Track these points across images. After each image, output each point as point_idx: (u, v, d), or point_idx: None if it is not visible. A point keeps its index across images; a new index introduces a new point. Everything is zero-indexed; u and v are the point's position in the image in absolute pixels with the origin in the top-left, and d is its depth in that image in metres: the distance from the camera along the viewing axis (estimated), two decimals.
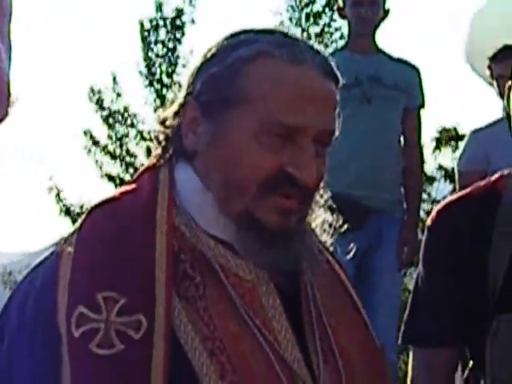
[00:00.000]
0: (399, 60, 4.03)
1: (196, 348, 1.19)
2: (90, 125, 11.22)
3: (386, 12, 3.99)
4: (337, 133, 1.33)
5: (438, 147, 9.15)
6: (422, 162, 4.18)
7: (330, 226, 1.39)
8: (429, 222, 1.76)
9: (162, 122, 1.34)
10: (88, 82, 11.39)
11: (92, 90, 11.23)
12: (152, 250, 1.22)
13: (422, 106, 4.01)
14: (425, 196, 9.23)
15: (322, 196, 1.35)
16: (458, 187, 3.78)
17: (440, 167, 9.16)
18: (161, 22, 11.34)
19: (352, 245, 3.71)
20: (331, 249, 1.45)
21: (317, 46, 1.33)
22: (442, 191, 8.96)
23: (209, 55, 1.32)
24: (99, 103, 11.20)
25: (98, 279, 1.20)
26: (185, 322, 1.20)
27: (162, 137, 1.35)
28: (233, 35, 1.32)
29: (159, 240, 1.23)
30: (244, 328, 1.23)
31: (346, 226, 3.78)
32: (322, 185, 1.33)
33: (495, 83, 3.75)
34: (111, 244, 1.22)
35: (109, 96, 11.25)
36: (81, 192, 11.44)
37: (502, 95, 3.47)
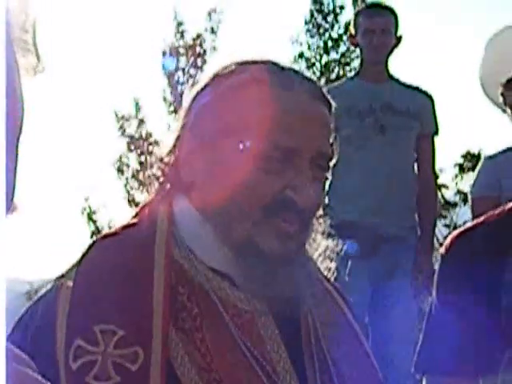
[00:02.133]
0: (411, 87, 4.03)
1: (192, 379, 1.20)
2: (120, 151, 11.32)
3: (399, 39, 3.99)
4: (334, 158, 1.34)
5: (460, 173, 9.11)
6: (436, 188, 4.17)
7: (333, 253, 1.39)
8: (443, 250, 1.76)
9: (161, 159, 1.36)
10: (113, 109, 11.42)
11: (116, 116, 11.31)
12: (150, 284, 1.23)
13: (436, 132, 4.01)
14: (446, 221, 9.18)
15: (321, 223, 1.36)
16: (471, 214, 3.75)
17: (459, 192, 9.12)
18: (181, 50, 11.40)
19: (367, 272, 3.71)
20: (334, 274, 1.45)
21: (306, 73, 1.36)
22: (462, 216, 8.91)
23: (201, 87, 1.33)
24: (122, 129, 11.27)
25: (95, 312, 1.21)
26: (181, 353, 1.21)
27: (160, 172, 1.37)
28: (223, 67, 1.34)
29: (157, 274, 1.24)
30: (241, 359, 1.23)
31: (360, 253, 3.78)
32: (320, 210, 1.33)
33: (509, 110, 3.73)
34: (109, 278, 1.24)
35: (132, 123, 11.33)
36: (111, 216, 11.47)
37: None
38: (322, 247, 1.38)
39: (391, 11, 3.97)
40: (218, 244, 1.28)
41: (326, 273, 1.44)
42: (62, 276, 1.28)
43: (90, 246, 1.30)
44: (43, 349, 1.20)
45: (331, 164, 1.33)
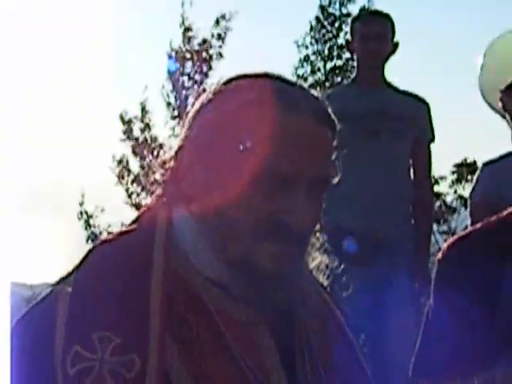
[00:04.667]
0: (407, 93, 4.03)
1: None
2: (122, 153, 11.29)
3: (395, 46, 4.00)
4: (334, 179, 1.33)
5: (458, 180, 9.12)
6: (433, 194, 4.18)
7: (327, 267, 1.41)
8: (439, 255, 1.75)
9: (163, 164, 1.36)
10: (118, 111, 11.38)
11: (122, 119, 11.28)
12: (147, 292, 1.24)
13: (432, 139, 4.01)
14: (445, 227, 9.17)
15: (318, 239, 1.37)
16: (469, 221, 3.75)
17: (460, 197, 9.13)
18: (187, 55, 11.38)
19: (363, 277, 3.72)
20: (328, 289, 1.47)
21: (313, 92, 1.33)
22: (462, 222, 8.91)
23: (206, 100, 1.33)
24: (128, 133, 11.24)
25: (93, 319, 1.22)
26: (177, 362, 1.22)
27: (162, 178, 1.37)
28: (230, 80, 1.33)
29: (154, 282, 1.25)
30: (236, 369, 1.25)
31: (356, 259, 3.78)
32: (316, 228, 1.34)
33: (508, 116, 3.74)
34: (108, 285, 1.25)
35: (138, 126, 11.30)
36: (110, 220, 11.43)
37: None
38: (316, 261, 1.40)
39: (388, 18, 3.98)
40: (215, 256, 1.29)
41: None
42: (61, 281, 1.29)
43: (89, 252, 1.31)
44: (42, 354, 1.22)
45: (329, 186, 1.32)
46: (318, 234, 1.37)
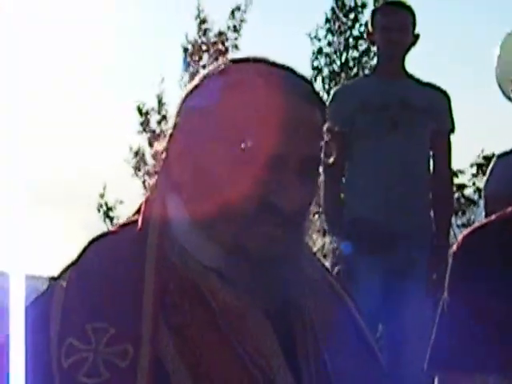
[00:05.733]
0: (428, 84, 4.02)
1: (182, 375, 1.21)
2: (138, 145, 11.29)
3: (416, 37, 3.99)
4: (329, 159, 1.33)
5: (478, 174, 9.08)
6: (452, 185, 4.16)
7: (333, 252, 1.41)
8: (454, 248, 1.75)
9: (155, 155, 1.37)
10: (135, 103, 11.37)
11: (139, 111, 11.28)
12: (141, 282, 1.25)
13: (452, 130, 4.00)
14: (463, 220, 9.14)
15: (317, 221, 1.36)
16: (484, 213, 3.74)
17: (479, 190, 9.08)
18: (204, 47, 11.38)
19: (381, 269, 3.71)
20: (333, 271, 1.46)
21: (300, 73, 1.32)
22: (480, 214, 8.88)
23: (191, 87, 1.33)
24: (145, 125, 11.25)
25: (87, 311, 1.23)
26: (171, 349, 1.22)
27: (154, 169, 1.38)
28: (217, 66, 1.33)
29: (148, 272, 1.26)
30: (232, 354, 1.24)
31: (374, 251, 3.79)
32: (311, 210, 1.32)
33: None
34: (101, 278, 1.26)
35: (155, 118, 11.30)
36: (129, 214, 11.45)
37: None
38: (317, 245, 1.38)
39: (409, 9, 3.96)
40: (209, 242, 1.28)
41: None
42: (58, 277, 1.30)
43: (85, 247, 1.32)
44: (38, 349, 1.22)
45: (320, 166, 1.31)
46: (316, 216, 1.35)
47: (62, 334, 1.22)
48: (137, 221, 1.34)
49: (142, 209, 1.35)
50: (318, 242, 1.38)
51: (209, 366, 1.22)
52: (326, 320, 1.36)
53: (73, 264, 1.30)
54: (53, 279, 1.31)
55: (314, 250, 1.39)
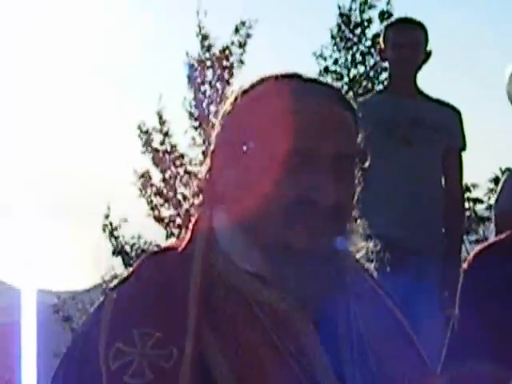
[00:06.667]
0: (439, 101, 4.02)
1: (226, 376, 1.26)
2: (143, 165, 11.30)
3: (428, 54, 3.98)
4: (365, 161, 1.40)
5: (495, 187, 9.07)
6: (463, 202, 4.15)
7: (372, 253, 1.44)
8: (465, 265, 1.76)
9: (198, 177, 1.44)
10: (137, 123, 11.38)
11: (140, 130, 11.29)
12: (187, 288, 1.31)
13: (463, 148, 4.00)
14: (477, 237, 9.12)
15: (358, 225, 1.41)
16: (495, 230, 3.72)
17: (491, 206, 9.07)
18: (208, 63, 11.39)
19: (393, 285, 3.69)
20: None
21: (326, 80, 1.42)
22: (492, 230, 8.85)
23: (230, 103, 1.41)
24: (147, 144, 11.25)
25: (135, 318, 1.30)
26: (215, 351, 1.27)
27: (201, 186, 1.47)
28: (251, 81, 1.41)
29: (193, 278, 1.32)
30: (276, 355, 1.28)
31: (387, 267, 3.78)
32: (351, 209, 1.38)
33: None
34: (149, 284, 1.33)
35: (157, 136, 11.30)
36: (133, 232, 11.52)
37: None
38: (360, 248, 1.43)
39: (421, 26, 3.96)
40: (251, 247, 1.34)
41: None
42: (112, 289, 1.38)
43: (138, 263, 1.41)
44: (90, 353, 1.29)
45: (356, 163, 1.38)
46: (358, 221, 1.41)
47: (110, 340, 1.29)
48: (186, 237, 1.41)
49: (191, 223, 1.42)
50: (360, 245, 1.43)
51: (252, 367, 1.27)
52: (370, 321, 1.39)
53: (126, 277, 1.38)
54: (108, 291, 1.38)
55: (357, 252, 1.43)
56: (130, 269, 1.40)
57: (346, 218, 1.37)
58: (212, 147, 1.42)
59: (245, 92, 1.39)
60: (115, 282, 1.40)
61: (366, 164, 1.42)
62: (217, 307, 1.31)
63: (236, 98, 1.40)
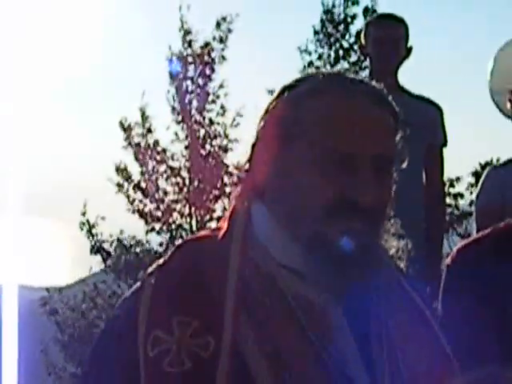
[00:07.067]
0: (421, 97, 4.02)
1: (262, 367, 1.29)
2: (121, 160, 11.21)
3: (409, 50, 3.99)
4: (403, 162, 1.43)
5: (476, 182, 9.12)
6: (445, 199, 4.15)
7: (403, 252, 1.45)
8: (448, 261, 1.77)
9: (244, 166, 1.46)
10: (119, 117, 11.30)
11: (122, 125, 11.22)
12: (225, 279, 1.33)
13: (445, 144, 4.01)
14: (460, 231, 9.15)
15: (392, 224, 1.43)
16: (475, 226, 3.72)
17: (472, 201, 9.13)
18: (190, 59, 11.35)
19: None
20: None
21: (372, 82, 1.42)
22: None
23: (273, 99, 1.44)
24: (129, 139, 11.19)
25: (173, 306, 1.32)
26: (252, 342, 1.30)
27: (239, 179, 1.49)
28: (294, 79, 1.43)
29: (231, 269, 1.34)
30: (310, 349, 1.31)
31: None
32: (388, 210, 1.40)
33: None
34: (187, 274, 1.35)
35: (138, 131, 11.23)
36: (112, 228, 11.43)
37: None
38: (393, 248, 1.44)
39: (402, 22, 3.97)
40: (289, 242, 1.36)
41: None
42: (149, 274, 1.39)
43: (175, 249, 1.42)
44: (127, 339, 1.32)
45: (396, 166, 1.40)
46: (392, 220, 1.42)
47: (148, 327, 1.31)
48: (221, 227, 1.43)
49: (228, 214, 1.44)
50: (393, 244, 1.44)
51: (287, 359, 1.29)
52: (400, 321, 1.41)
53: (161, 264, 1.40)
54: (145, 276, 1.39)
55: (390, 252, 1.44)
56: (168, 253, 1.41)
57: (383, 218, 1.39)
58: (254, 140, 1.43)
59: (289, 88, 1.41)
60: (153, 267, 1.41)
61: (404, 165, 1.44)
62: (254, 299, 1.33)
63: (280, 94, 1.42)
